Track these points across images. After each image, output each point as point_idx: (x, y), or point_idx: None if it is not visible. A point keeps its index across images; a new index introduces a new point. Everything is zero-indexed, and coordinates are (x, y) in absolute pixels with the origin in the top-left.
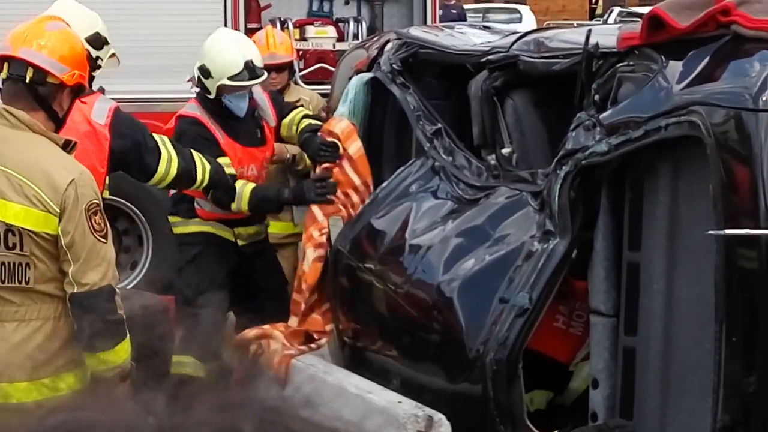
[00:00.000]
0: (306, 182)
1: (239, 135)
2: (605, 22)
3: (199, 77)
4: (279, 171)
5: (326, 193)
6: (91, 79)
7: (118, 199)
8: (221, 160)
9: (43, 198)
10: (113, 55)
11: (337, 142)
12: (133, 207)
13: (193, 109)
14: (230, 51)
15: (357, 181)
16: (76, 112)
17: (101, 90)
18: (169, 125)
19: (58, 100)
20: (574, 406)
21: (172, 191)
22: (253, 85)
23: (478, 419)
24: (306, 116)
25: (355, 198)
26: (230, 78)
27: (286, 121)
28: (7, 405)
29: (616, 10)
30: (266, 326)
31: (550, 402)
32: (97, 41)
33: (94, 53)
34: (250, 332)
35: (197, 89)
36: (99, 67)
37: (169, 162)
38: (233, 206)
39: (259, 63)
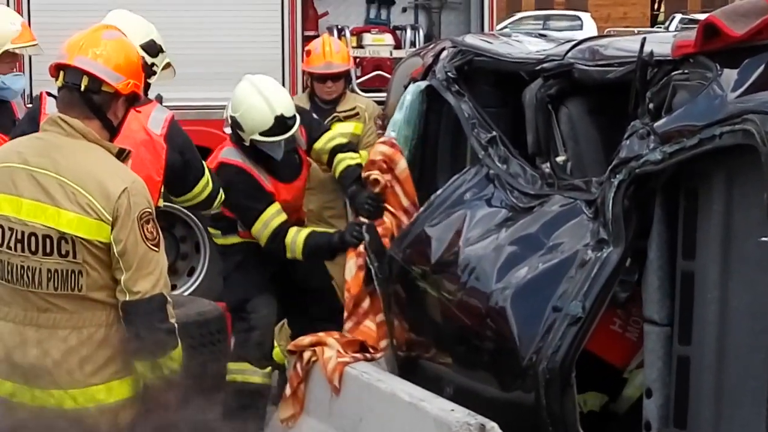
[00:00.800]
0: (351, 224)
1: (280, 173)
2: (667, 29)
3: (230, 121)
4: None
5: (374, 211)
6: (147, 86)
7: (175, 206)
8: (272, 208)
9: (96, 206)
10: (168, 65)
11: (380, 195)
12: (190, 214)
13: (234, 156)
14: (260, 108)
15: (405, 202)
16: (133, 120)
17: (159, 98)
18: (210, 164)
19: (113, 109)
20: (628, 414)
21: None
22: (285, 138)
23: (531, 428)
24: (337, 147)
25: (404, 219)
26: (261, 134)
27: (316, 146)
28: (62, 411)
29: (678, 17)
30: (321, 333)
31: (603, 408)
32: (152, 48)
33: (149, 60)
34: (305, 339)
35: (228, 130)
36: (154, 73)
37: (205, 185)
38: (288, 256)
39: (290, 112)
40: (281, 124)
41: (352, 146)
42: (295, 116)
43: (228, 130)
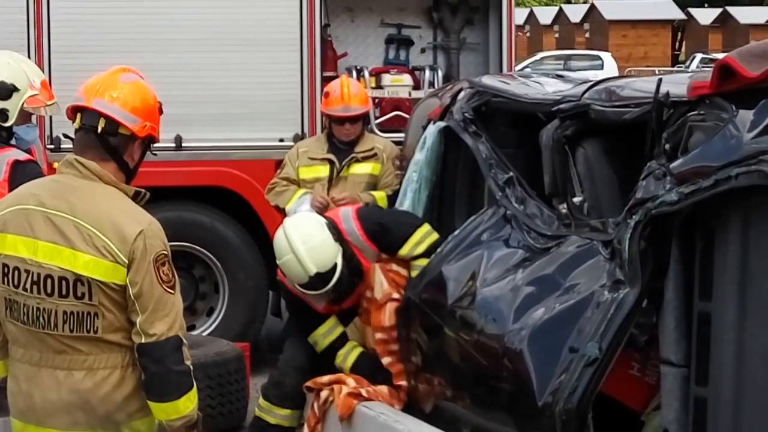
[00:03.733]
0: None
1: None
2: (687, 68)
3: None
4: None
5: None
6: (6, 130)
7: (194, 246)
8: (322, 328)
9: (112, 249)
10: (32, 97)
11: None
12: (209, 254)
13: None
14: (293, 267)
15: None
16: None
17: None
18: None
19: (129, 152)
20: None
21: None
22: (324, 292)
23: None
24: (430, 248)
25: None
26: (300, 285)
27: (402, 254)
28: None
29: (699, 56)
30: (341, 374)
31: None
32: (2, 90)
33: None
34: (324, 378)
35: None
36: (7, 118)
37: None
38: (336, 362)
39: (326, 267)
40: (319, 280)
41: (433, 247)
42: (334, 267)
43: None
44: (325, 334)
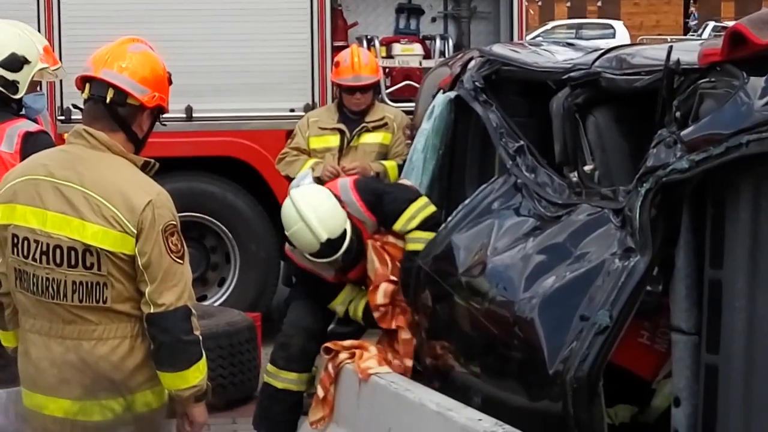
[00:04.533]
0: None
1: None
2: (700, 36)
3: None
4: None
5: None
6: (16, 102)
7: (206, 216)
8: (341, 297)
9: (121, 219)
10: (44, 70)
11: None
12: (220, 225)
13: (290, 249)
14: (304, 235)
15: None
16: None
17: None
18: None
19: (138, 122)
20: (657, 424)
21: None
22: (335, 259)
23: None
24: (424, 222)
25: None
26: (311, 255)
27: (396, 228)
28: (88, 422)
29: (711, 24)
30: (363, 341)
31: (633, 419)
32: (14, 63)
33: (10, 77)
34: (346, 342)
35: None
36: (18, 90)
37: None
38: (346, 311)
39: (336, 233)
40: (329, 247)
41: (437, 219)
42: (344, 233)
43: None
44: (344, 301)
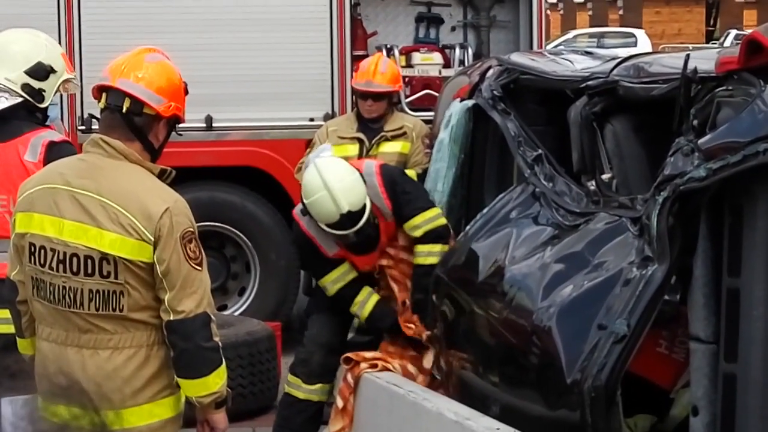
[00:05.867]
0: None
1: (350, 246)
2: (722, 44)
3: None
4: None
5: None
6: (41, 111)
7: (226, 226)
8: (339, 269)
9: (138, 227)
10: (68, 81)
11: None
12: (240, 234)
13: (304, 217)
14: (325, 204)
15: None
16: (11, 153)
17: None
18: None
19: (154, 131)
20: None
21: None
22: (352, 232)
23: None
24: (426, 235)
25: None
26: (327, 225)
27: (407, 227)
28: (104, 431)
29: (733, 32)
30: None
31: (652, 428)
32: (40, 72)
33: (36, 85)
34: (368, 353)
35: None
36: (43, 99)
37: None
38: (352, 309)
39: (357, 206)
40: (348, 219)
41: (440, 232)
42: (364, 208)
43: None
44: (336, 279)
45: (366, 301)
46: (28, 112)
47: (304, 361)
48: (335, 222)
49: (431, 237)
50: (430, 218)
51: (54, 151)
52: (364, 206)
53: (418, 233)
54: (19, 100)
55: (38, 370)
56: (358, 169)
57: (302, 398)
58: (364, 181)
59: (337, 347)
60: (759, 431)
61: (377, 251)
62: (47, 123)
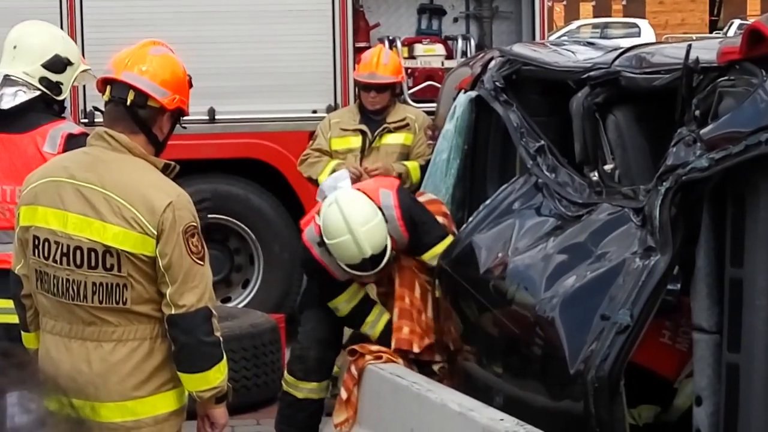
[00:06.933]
0: None
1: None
2: (725, 34)
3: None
4: None
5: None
6: (59, 104)
7: (229, 218)
8: (345, 295)
9: (141, 220)
10: (84, 71)
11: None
12: (244, 226)
13: (315, 243)
14: (349, 248)
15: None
16: (29, 145)
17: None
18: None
19: (158, 124)
20: (679, 423)
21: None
22: (372, 274)
23: None
24: None
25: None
26: (347, 266)
27: (426, 258)
28: (108, 423)
29: (737, 22)
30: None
31: (655, 419)
32: (57, 64)
33: (54, 78)
34: (373, 346)
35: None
36: (61, 91)
37: None
38: (363, 329)
39: (379, 249)
40: (370, 262)
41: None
42: (385, 249)
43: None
44: (348, 300)
45: (377, 322)
46: (46, 105)
47: (301, 357)
48: (356, 264)
49: None
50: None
51: (73, 143)
52: (386, 248)
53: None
54: (37, 93)
55: (43, 362)
56: (376, 201)
57: (301, 398)
58: (384, 217)
59: (334, 342)
60: (762, 421)
61: (383, 273)
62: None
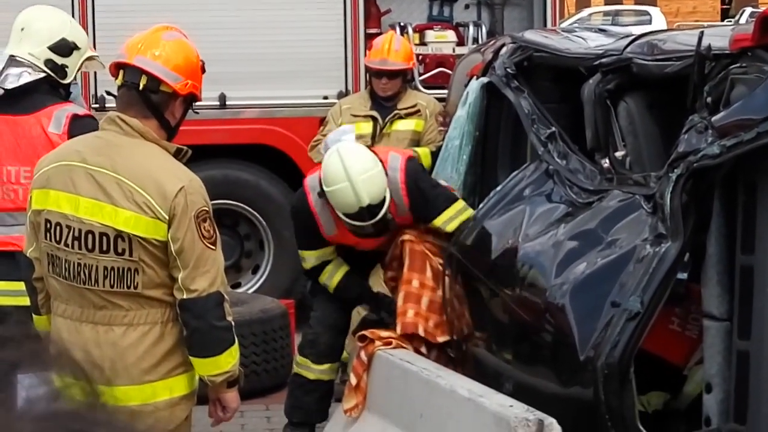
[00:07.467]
0: (387, 300)
1: (361, 234)
2: (737, 22)
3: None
4: None
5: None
6: (64, 87)
7: (239, 204)
8: (314, 252)
9: (153, 205)
10: (92, 58)
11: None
12: (254, 212)
13: (312, 188)
14: (347, 195)
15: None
16: (34, 126)
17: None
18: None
19: (171, 109)
20: (689, 410)
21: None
22: (369, 224)
23: (590, 423)
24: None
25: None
26: (345, 215)
27: (436, 224)
28: (119, 407)
29: (748, 10)
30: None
31: (665, 405)
32: (63, 48)
33: (59, 61)
34: (383, 332)
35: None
36: (66, 74)
37: None
38: (321, 278)
39: (378, 200)
40: (367, 212)
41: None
42: (383, 201)
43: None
44: (318, 257)
45: (334, 273)
46: (51, 87)
47: (312, 342)
48: (353, 213)
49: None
50: (460, 209)
51: (78, 125)
52: (384, 199)
53: (452, 225)
54: (42, 75)
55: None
56: (383, 161)
57: (313, 378)
58: (387, 175)
59: (344, 327)
60: None
61: (373, 242)
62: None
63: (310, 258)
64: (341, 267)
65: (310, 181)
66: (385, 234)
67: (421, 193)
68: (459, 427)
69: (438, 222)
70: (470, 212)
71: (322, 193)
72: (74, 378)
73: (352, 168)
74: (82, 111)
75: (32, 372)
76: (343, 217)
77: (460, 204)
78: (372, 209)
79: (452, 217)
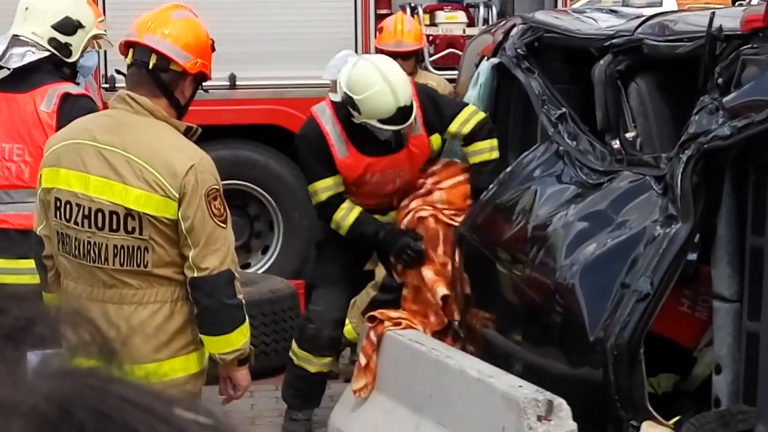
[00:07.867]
0: (403, 238)
1: (367, 147)
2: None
3: (343, 97)
4: None
5: (411, 261)
6: (69, 65)
7: (249, 184)
8: (327, 181)
9: (163, 183)
10: (98, 36)
11: (421, 248)
12: (264, 192)
13: (323, 115)
14: (385, 97)
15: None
16: (27, 104)
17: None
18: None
19: (180, 88)
20: (698, 391)
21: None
22: (403, 128)
23: (599, 404)
24: (474, 132)
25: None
26: (380, 121)
27: (451, 130)
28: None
29: None
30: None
31: (674, 387)
32: (67, 26)
33: (63, 39)
34: (392, 312)
35: (335, 98)
36: (71, 53)
37: None
38: (335, 217)
39: (410, 101)
40: (402, 114)
41: (490, 124)
42: (412, 105)
43: (333, 97)
44: (329, 188)
45: (348, 213)
46: (55, 66)
47: (314, 337)
48: (390, 116)
49: (485, 132)
50: (473, 111)
51: (69, 103)
52: (412, 104)
53: (468, 126)
54: (46, 54)
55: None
56: None
57: (314, 371)
58: None
59: (343, 320)
60: None
61: (386, 162)
62: (88, 73)
63: (322, 189)
64: (356, 206)
65: (318, 107)
66: (400, 150)
67: (432, 101)
68: (468, 408)
69: (453, 127)
70: (483, 114)
71: (343, 105)
72: (90, 335)
73: (387, 70)
74: (76, 90)
75: (47, 328)
76: (378, 124)
77: (471, 107)
78: (405, 111)
79: (466, 120)
